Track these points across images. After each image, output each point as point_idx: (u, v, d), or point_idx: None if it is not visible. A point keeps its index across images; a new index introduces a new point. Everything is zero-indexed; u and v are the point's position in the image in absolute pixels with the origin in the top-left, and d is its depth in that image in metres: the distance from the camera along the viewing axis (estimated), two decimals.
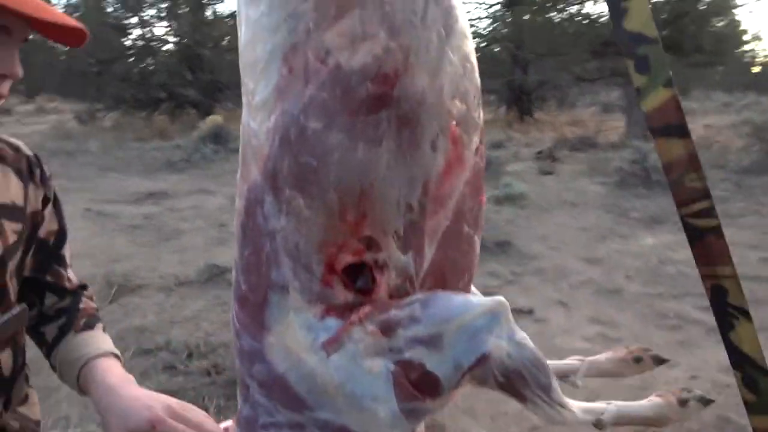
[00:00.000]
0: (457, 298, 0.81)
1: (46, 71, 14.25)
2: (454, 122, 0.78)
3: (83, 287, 0.99)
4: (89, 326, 0.91)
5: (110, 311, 3.26)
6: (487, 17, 12.57)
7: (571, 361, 1.19)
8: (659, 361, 1.10)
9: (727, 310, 0.68)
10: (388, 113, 0.72)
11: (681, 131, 0.65)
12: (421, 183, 0.78)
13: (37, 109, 17.56)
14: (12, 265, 0.82)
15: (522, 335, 0.81)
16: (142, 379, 2.45)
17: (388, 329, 0.78)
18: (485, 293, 3.63)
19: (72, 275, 0.97)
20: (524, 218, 4.95)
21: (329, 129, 0.71)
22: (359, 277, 0.80)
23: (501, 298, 0.81)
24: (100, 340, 0.90)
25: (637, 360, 1.10)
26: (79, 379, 0.85)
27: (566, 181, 6.46)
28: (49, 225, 0.92)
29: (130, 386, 0.80)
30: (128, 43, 13.08)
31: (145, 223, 5.20)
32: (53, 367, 0.89)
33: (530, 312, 3.05)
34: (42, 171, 0.92)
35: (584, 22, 8.93)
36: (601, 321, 2.93)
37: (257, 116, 0.75)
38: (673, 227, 4.48)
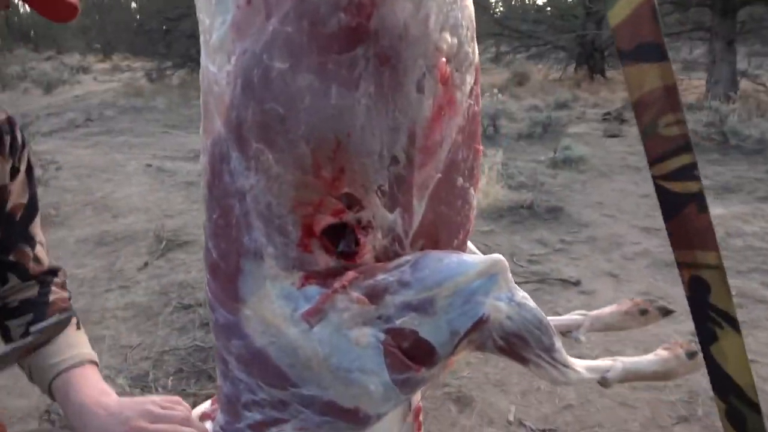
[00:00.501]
0: (450, 258, 0.73)
1: (120, 30, 14.75)
2: (443, 59, 0.68)
3: (53, 272, 0.90)
4: (60, 326, 0.83)
5: (158, 266, 3.37)
6: None
7: (573, 316, 1.12)
8: (665, 312, 1.03)
9: (708, 314, 0.52)
10: (365, 49, 0.62)
11: (656, 53, 0.49)
12: (407, 131, 0.68)
13: (113, 67, 18.32)
14: None
15: (522, 295, 0.74)
16: (180, 334, 2.53)
17: (375, 296, 0.71)
18: (531, 261, 3.49)
19: (42, 255, 0.89)
20: (581, 183, 4.70)
21: (296, 70, 0.62)
22: (341, 240, 0.72)
23: (498, 256, 0.74)
24: (72, 344, 0.83)
25: (643, 312, 1.04)
26: (50, 389, 0.80)
27: (632, 145, 6.07)
28: (17, 198, 0.84)
29: (104, 401, 0.77)
30: None
31: (200, 180, 5.34)
32: (20, 366, 0.83)
33: (577, 283, 2.90)
34: (13, 138, 0.83)
35: None
36: (653, 295, 2.74)
37: (216, 58, 0.67)
38: (747, 197, 4.12)
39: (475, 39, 0.75)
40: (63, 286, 0.90)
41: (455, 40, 0.69)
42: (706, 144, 5.61)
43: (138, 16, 14.72)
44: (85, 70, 17.40)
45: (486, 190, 4.26)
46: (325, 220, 0.70)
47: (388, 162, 0.69)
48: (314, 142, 0.65)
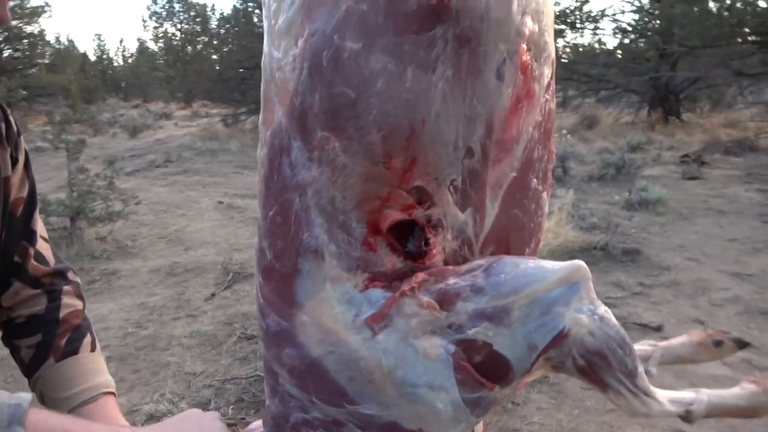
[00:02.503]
0: (527, 264, 0.65)
1: (201, 80, 15.73)
2: (524, 45, 0.63)
3: (61, 274, 0.81)
4: (72, 350, 0.75)
5: (224, 296, 3.42)
6: (631, 11, 11.58)
7: (643, 346, 1.01)
8: (741, 344, 0.95)
9: None
10: (444, 30, 0.58)
11: None
12: (484, 121, 0.62)
13: (193, 113, 19.54)
14: None
15: (604, 308, 0.67)
16: (242, 363, 2.51)
17: (446, 301, 0.64)
18: (606, 305, 3.26)
19: (46, 252, 0.79)
20: (659, 225, 4.44)
21: (370, 50, 0.58)
22: (409, 239, 0.66)
23: (580, 262, 0.66)
24: (86, 371, 0.75)
25: (717, 344, 0.95)
26: None
27: (715, 188, 5.72)
28: (17, 191, 0.75)
29: None
30: None
31: None
32: (34, 392, 0.75)
33: (658, 329, 2.68)
34: (8, 125, 0.74)
35: (746, 8, 7.75)
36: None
37: (281, 43, 0.63)
38: None
39: (553, 33, 0.70)
40: (75, 294, 0.81)
41: (536, 27, 0.64)
42: None
43: (217, 67, 15.69)
44: (168, 116, 18.66)
45: (556, 230, 4.09)
46: (393, 216, 0.64)
47: (463, 154, 0.63)
48: (386, 129, 0.60)
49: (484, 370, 0.64)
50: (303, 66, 0.62)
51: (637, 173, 6.11)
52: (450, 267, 0.67)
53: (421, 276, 0.64)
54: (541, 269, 0.65)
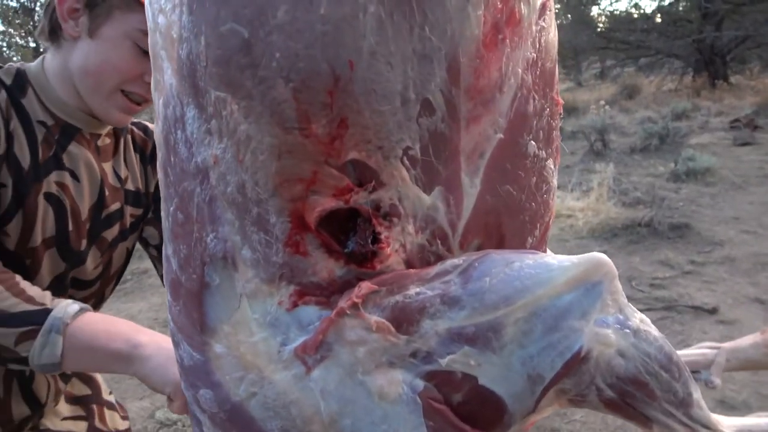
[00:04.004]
0: (523, 261, 0.46)
1: None
2: None
3: None
4: None
5: None
6: None
7: (701, 349, 0.83)
8: None
9: None
10: None
11: None
12: (445, 60, 0.42)
13: None
14: (123, 246, 0.88)
15: (640, 317, 0.48)
16: None
17: (405, 320, 0.45)
18: (654, 286, 2.96)
19: None
20: (710, 197, 4.09)
21: None
22: (351, 234, 0.48)
23: (600, 254, 0.47)
24: None
25: None
26: None
27: None
28: None
29: None
30: None
31: None
32: None
33: (713, 311, 2.41)
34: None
35: None
36: None
37: None
38: None
39: None
40: None
41: None
42: None
43: None
44: None
45: (596, 207, 3.83)
46: (324, 204, 0.45)
47: (418, 110, 0.44)
48: (297, 78, 0.41)
49: (468, 412, 0.46)
50: (183, 1, 0.44)
51: (683, 142, 5.71)
52: (411, 271, 0.48)
53: (365, 287, 0.45)
54: (543, 267, 0.46)
